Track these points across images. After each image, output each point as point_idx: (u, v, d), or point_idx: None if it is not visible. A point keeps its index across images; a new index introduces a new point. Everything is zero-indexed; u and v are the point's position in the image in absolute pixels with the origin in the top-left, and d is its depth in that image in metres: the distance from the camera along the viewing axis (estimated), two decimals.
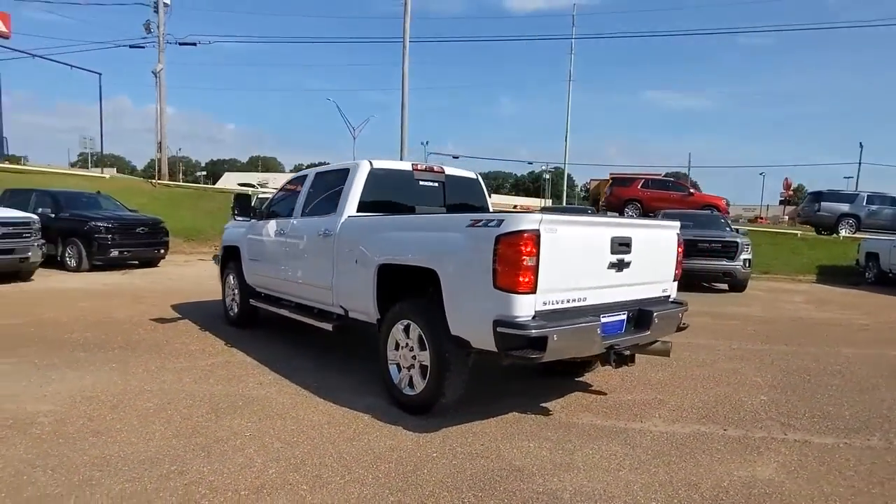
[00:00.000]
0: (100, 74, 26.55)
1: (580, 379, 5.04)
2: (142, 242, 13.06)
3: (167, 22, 24.34)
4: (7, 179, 19.77)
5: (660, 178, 23.00)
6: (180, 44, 25.10)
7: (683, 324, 4.52)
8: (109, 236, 12.28)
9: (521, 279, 3.33)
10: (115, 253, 12.36)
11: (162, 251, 13.55)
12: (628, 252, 3.94)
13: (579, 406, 4.37)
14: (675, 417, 4.18)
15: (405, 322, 4.10)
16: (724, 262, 11.35)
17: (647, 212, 19.51)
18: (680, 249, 4.49)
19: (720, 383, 5.08)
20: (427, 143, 60.59)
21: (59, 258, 12.35)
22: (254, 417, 3.94)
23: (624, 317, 3.99)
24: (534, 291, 3.38)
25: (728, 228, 12.83)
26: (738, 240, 11.47)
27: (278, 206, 6.26)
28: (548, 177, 65.23)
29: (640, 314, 4.08)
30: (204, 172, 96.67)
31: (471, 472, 3.19)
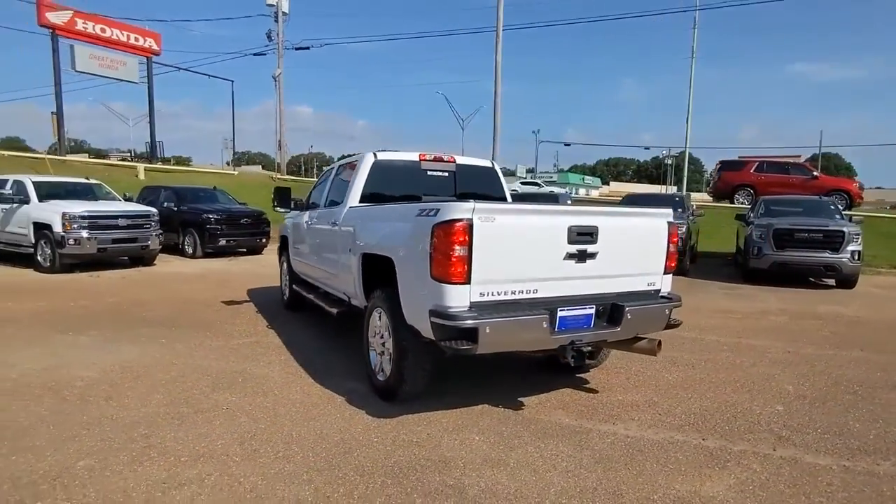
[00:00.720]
0: (232, 82, 29.66)
1: (581, 375, 4.79)
2: (246, 232, 14.38)
3: (285, 30, 26.46)
4: (159, 178, 22.80)
5: (778, 160, 20.45)
6: (296, 48, 27.16)
7: (674, 320, 4.12)
8: (218, 227, 13.69)
9: (453, 269, 3.27)
10: (223, 242, 13.74)
11: (263, 240, 14.79)
12: (593, 242, 3.68)
13: (559, 403, 4.17)
14: (656, 422, 3.84)
15: (379, 310, 4.19)
16: (827, 255, 9.94)
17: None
18: (673, 240, 4.08)
19: (739, 389, 4.54)
20: (538, 131, 59.36)
21: (179, 246, 14.03)
22: (241, 393, 4.26)
23: (591, 311, 3.74)
24: (467, 282, 3.30)
25: (838, 216, 11.21)
26: (844, 229, 9.99)
27: (314, 197, 6.61)
28: (670, 162, 60.95)
29: (612, 309, 3.80)
30: None
31: (396, 459, 3.21)
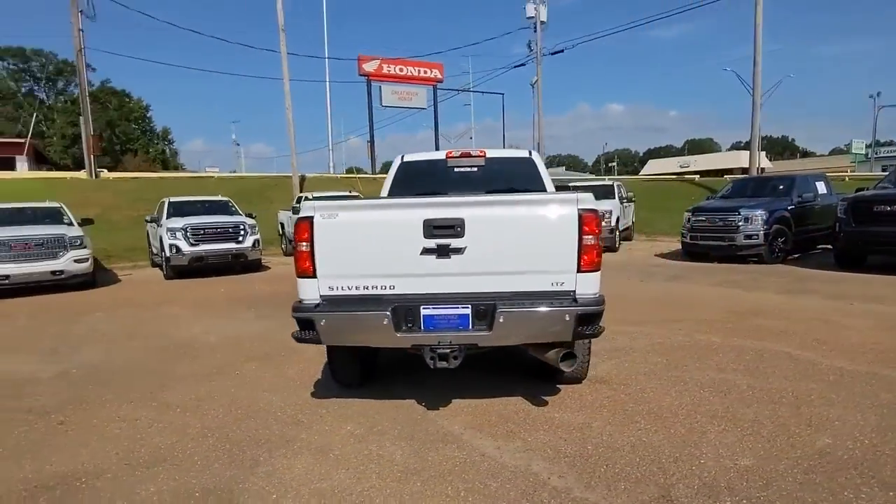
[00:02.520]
0: (502, 94, 31.80)
1: (563, 385, 4.11)
2: None
3: (543, 37, 27.06)
4: None
5: None
6: (551, 53, 27.44)
7: (590, 329, 3.23)
8: None
9: (300, 263, 3.43)
10: None
11: None
12: (457, 236, 3.27)
13: (481, 410, 3.75)
14: (544, 447, 3.15)
15: None
16: None
17: None
18: (588, 229, 3.22)
19: (735, 429, 3.25)
20: (878, 94, 45.31)
21: None
22: (264, 364, 5.10)
23: (466, 311, 3.31)
24: (314, 276, 3.39)
25: None
26: None
27: None
28: None
29: (492, 310, 3.26)
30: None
31: (262, 432, 3.55)
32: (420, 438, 3.34)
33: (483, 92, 34.22)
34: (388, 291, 3.41)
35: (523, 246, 3.33)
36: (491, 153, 5.42)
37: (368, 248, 3.39)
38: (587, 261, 3.29)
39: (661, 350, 4.99)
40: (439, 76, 31.53)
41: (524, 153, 5.50)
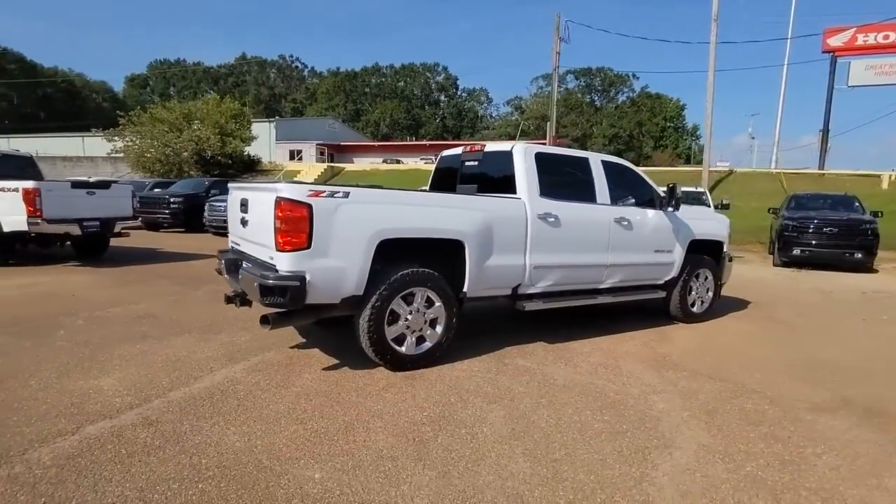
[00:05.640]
0: None
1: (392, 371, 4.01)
2: (831, 244, 11.31)
3: None
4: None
5: None
6: None
7: (267, 299, 3.50)
8: (795, 234, 11.68)
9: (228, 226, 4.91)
10: (796, 251, 11.61)
11: (858, 255, 11.05)
12: (246, 212, 4.06)
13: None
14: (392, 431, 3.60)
15: None
16: None
17: None
18: (279, 214, 3.42)
19: (327, 456, 2.72)
20: None
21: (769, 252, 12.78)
22: None
23: None
24: (228, 234, 4.82)
25: None
26: None
27: None
28: None
29: None
30: None
31: (212, 327, 5.24)
32: (241, 365, 4.28)
33: None
34: (238, 247, 4.49)
35: (262, 224, 3.77)
36: (490, 147, 5.05)
37: (234, 217, 4.54)
38: (280, 242, 3.45)
39: (602, 395, 3.67)
40: None
41: (506, 147, 4.79)
